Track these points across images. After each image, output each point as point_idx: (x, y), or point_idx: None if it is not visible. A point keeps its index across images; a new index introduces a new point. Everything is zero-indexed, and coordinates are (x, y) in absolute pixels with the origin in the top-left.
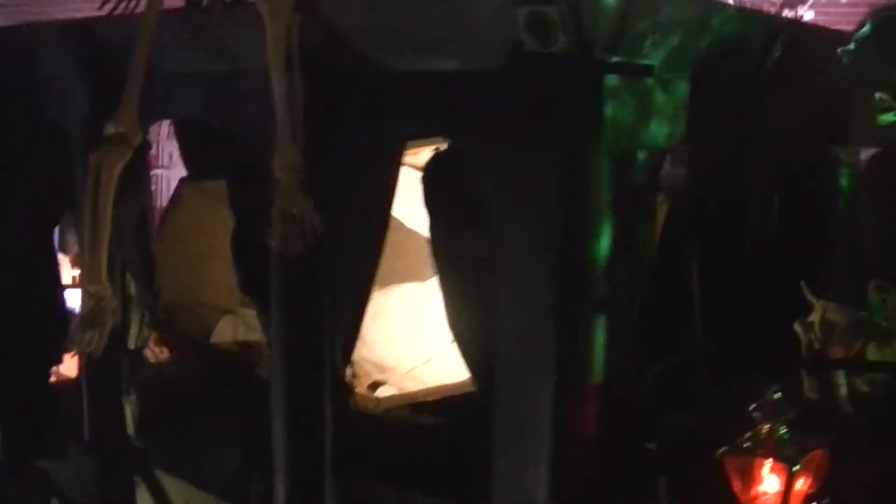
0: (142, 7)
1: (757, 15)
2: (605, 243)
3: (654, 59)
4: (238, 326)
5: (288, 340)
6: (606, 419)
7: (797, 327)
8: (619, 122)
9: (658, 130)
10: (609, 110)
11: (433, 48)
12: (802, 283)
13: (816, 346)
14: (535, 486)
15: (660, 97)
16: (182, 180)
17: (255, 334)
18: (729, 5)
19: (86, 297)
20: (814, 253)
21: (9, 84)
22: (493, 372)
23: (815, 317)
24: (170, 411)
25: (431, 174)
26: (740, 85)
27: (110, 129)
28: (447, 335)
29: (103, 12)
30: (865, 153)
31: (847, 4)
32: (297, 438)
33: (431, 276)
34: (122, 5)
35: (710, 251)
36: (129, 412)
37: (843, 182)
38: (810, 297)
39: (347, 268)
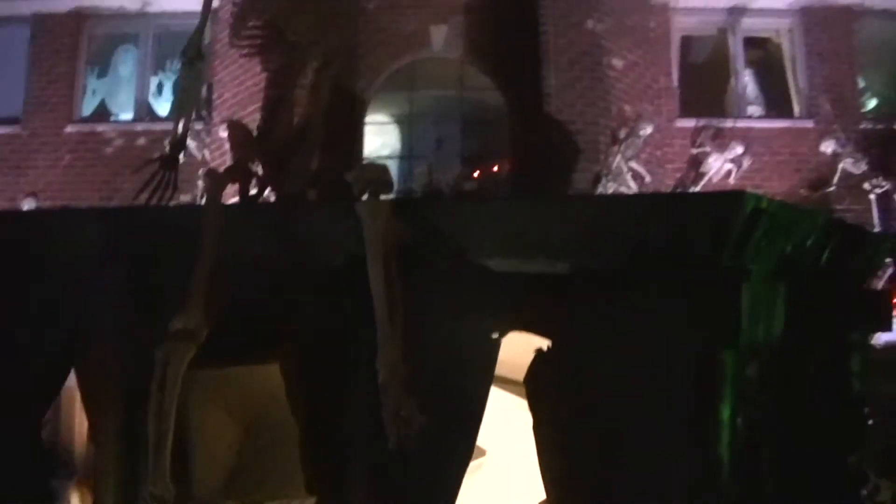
0: (174, 199)
1: (838, 220)
2: (727, 435)
3: (764, 262)
4: None
5: None
6: None
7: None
8: (744, 320)
9: (766, 328)
10: (740, 310)
11: (544, 251)
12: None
13: None
14: None
15: (768, 297)
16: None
17: None
18: (821, 211)
19: (150, 501)
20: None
21: (26, 268)
22: None
23: (885, 496)
24: None
25: (536, 375)
26: (806, 281)
27: (177, 325)
28: None
29: (139, 202)
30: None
31: None
32: None
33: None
34: (157, 195)
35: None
36: None
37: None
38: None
39: (441, 460)
